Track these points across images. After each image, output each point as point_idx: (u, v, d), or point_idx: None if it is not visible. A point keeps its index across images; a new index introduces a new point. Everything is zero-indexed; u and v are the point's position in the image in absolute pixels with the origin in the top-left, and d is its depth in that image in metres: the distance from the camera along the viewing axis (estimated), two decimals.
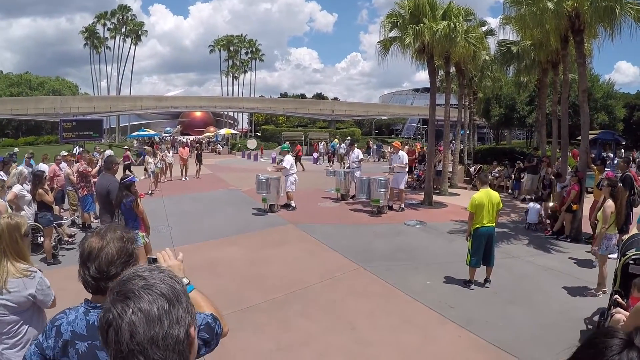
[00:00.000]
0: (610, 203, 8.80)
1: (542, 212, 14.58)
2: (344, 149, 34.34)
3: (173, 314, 1.43)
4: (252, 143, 54.07)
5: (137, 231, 8.52)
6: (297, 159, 33.04)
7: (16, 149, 35.10)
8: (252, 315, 7.51)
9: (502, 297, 8.47)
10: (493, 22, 75.57)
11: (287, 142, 30.44)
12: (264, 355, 6.31)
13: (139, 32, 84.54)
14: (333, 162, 36.65)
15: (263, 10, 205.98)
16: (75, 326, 2.27)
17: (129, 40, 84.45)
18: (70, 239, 12.36)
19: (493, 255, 9.11)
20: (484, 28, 22.96)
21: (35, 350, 2.33)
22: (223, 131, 68.54)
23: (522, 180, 20.86)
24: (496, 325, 7.15)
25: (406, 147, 27.84)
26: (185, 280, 2.40)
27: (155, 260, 2.50)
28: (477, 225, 8.89)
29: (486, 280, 9.06)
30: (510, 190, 21.83)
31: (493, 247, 9.12)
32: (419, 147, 27.27)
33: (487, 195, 8.97)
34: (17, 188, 9.96)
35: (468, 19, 20.11)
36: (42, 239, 10.92)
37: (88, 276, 2.28)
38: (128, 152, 27.72)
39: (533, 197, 18.03)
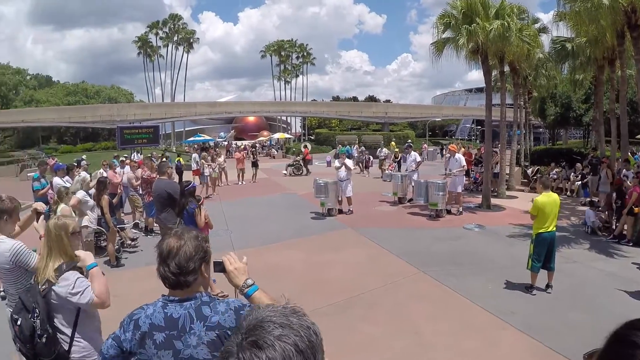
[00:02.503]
0: None
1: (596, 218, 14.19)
2: (385, 153, 33.64)
3: None
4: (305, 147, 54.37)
5: None
6: (305, 162, 33.20)
7: (84, 156, 36.30)
8: (315, 319, 7.45)
9: (563, 302, 8.41)
10: (544, 17, 74.01)
11: (342, 146, 30.60)
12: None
13: (191, 40, 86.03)
14: (363, 170, 34.15)
15: (311, 15, 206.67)
16: (153, 319, 2.50)
17: (181, 48, 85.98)
18: (132, 242, 12.78)
19: (554, 260, 9.02)
20: (537, 25, 22.63)
21: (112, 344, 2.57)
22: (277, 135, 69.25)
23: (578, 182, 20.59)
24: (558, 331, 7.11)
25: (462, 149, 27.61)
26: (249, 281, 2.66)
27: (220, 263, 2.74)
28: (540, 231, 8.79)
29: (548, 286, 8.96)
30: (568, 193, 21.43)
31: (554, 251, 9.04)
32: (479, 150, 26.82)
33: (549, 199, 8.86)
34: (80, 194, 10.32)
35: (521, 17, 19.85)
36: (105, 242, 11.42)
37: (168, 272, 2.50)
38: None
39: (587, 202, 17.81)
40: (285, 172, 33.04)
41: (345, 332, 7.26)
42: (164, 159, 20.09)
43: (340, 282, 9.64)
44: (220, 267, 2.75)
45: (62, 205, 9.07)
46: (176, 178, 18.27)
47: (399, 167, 28.80)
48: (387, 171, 28.46)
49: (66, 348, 3.97)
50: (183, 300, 2.52)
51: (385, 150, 33.88)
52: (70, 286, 3.91)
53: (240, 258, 2.80)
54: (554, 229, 8.94)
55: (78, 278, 3.97)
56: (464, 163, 17.53)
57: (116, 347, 2.56)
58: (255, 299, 2.61)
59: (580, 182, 20.73)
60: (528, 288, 8.93)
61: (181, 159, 26.14)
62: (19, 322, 3.89)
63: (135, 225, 14.97)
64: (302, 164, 33.49)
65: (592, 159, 19.85)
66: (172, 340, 2.45)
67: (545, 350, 6.56)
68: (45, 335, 3.87)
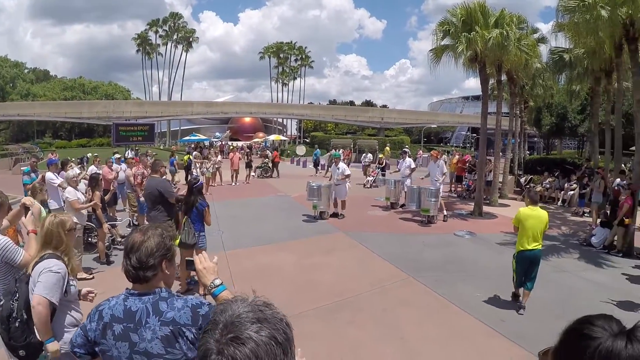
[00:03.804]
0: None
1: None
2: (369, 159, 33.06)
3: None
4: (300, 149, 54.34)
5: (202, 233, 8.89)
6: (274, 164, 32.90)
7: (89, 154, 36.49)
8: (303, 322, 7.57)
9: (552, 311, 8.31)
10: (543, 27, 74.22)
11: (338, 150, 30.47)
12: None
13: (190, 39, 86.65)
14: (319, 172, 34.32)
15: (312, 17, 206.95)
16: (114, 310, 2.56)
17: (180, 46, 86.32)
18: (123, 240, 12.73)
19: (534, 280, 8.51)
20: (536, 35, 22.64)
21: (80, 333, 2.65)
22: (272, 137, 69.11)
23: (571, 192, 20.66)
24: (547, 340, 6.94)
25: (457, 156, 27.59)
26: (217, 281, 2.69)
27: (191, 262, 2.80)
28: (522, 248, 8.44)
29: (520, 307, 8.44)
30: (560, 203, 21.51)
31: (536, 271, 8.52)
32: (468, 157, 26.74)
33: (533, 212, 8.48)
34: (70, 193, 10.25)
35: (520, 26, 19.89)
36: (96, 239, 11.36)
37: (129, 266, 2.57)
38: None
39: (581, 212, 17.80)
40: (254, 174, 32.26)
41: (333, 335, 7.25)
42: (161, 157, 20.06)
43: (330, 286, 9.61)
44: (192, 265, 2.80)
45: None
46: (169, 176, 18.33)
47: (383, 172, 28.60)
48: (368, 177, 28.21)
49: (40, 339, 3.99)
50: (142, 294, 2.59)
51: (369, 155, 33.30)
52: (37, 273, 3.98)
53: (211, 258, 2.83)
54: (538, 247, 8.49)
55: (44, 271, 3.99)
56: (446, 169, 17.64)
57: (83, 336, 2.63)
58: (222, 300, 2.57)
59: (573, 192, 20.72)
60: (514, 296, 8.80)
61: (191, 157, 26.34)
62: (1, 303, 4.06)
63: (129, 224, 14.95)
64: (270, 166, 33.00)
65: (587, 170, 19.87)
66: (129, 333, 2.51)
67: (533, 359, 6.53)
68: (19, 320, 3.98)
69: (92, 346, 2.60)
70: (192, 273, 8.77)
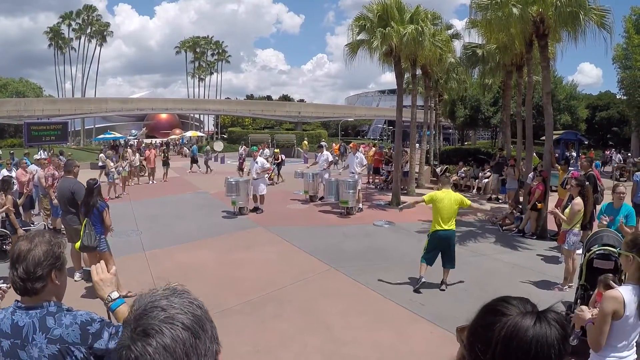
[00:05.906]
0: (578, 201, 9.03)
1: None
2: (267, 154, 31.89)
3: (200, 347, 1.34)
4: (218, 145, 53.65)
5: (102, 236, 8.52)
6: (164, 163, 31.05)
7: None
8: (228, 318, 7.52)
9: (471, 293, 8.58)
10: (458, 24, 76.43)
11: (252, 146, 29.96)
12: (243, 357, 6.34)
13: (105, 33, 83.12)
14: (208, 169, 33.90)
15: (229, 11, 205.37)
16: (2, 325, 2.34)
17: (94, 41, 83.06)
18: None
19: (452, 258, 8.96)
20: (450, 31, 23.25)
21: None
22: (189, 133, 68.07)
23: (486, 180, 21.44)
24: (467, 320, 7.17)
25: (373, 148, 27.94)
26: (114, 295, 2.55)
27: (87, 272, 2.60)
28: (437, 228, 8.77)
29: (442, 282, 8.94)
30: (475, 190, 22.33)
31: (452, 250, 8.95)
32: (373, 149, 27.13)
33: (447, 195, 8.87)
34: None
35: (435, 22, 20.39)
36: (9, 246, 10.79)
37: (16, 277, 2.36)
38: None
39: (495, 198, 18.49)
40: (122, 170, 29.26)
41: (259, 329, 7.22)
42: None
43: (253, 281, 9.55)
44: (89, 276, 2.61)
45: None
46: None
47: (279, 168, 28.08)
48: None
49: None
50: (30, 308, 2.39)
51: (267, 150, 32.56)
52: None
53: (109, 268, 2.68)
54: (452, 227, 8.86)
55: None
56: (365, 162, 18.33)
57: None
58: (119, 314, 2.53)
59: (487, 180, 21.52)
60: (417, 280, 8.89)
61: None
62: None
63: (42, 228, 14.30)
64: (144, 165, 28.82)
65: (500, 159, 20.58)
66: (17, 350, 2.32)
67: (454, 338, 6.65)
68: None
69: None
70: None
